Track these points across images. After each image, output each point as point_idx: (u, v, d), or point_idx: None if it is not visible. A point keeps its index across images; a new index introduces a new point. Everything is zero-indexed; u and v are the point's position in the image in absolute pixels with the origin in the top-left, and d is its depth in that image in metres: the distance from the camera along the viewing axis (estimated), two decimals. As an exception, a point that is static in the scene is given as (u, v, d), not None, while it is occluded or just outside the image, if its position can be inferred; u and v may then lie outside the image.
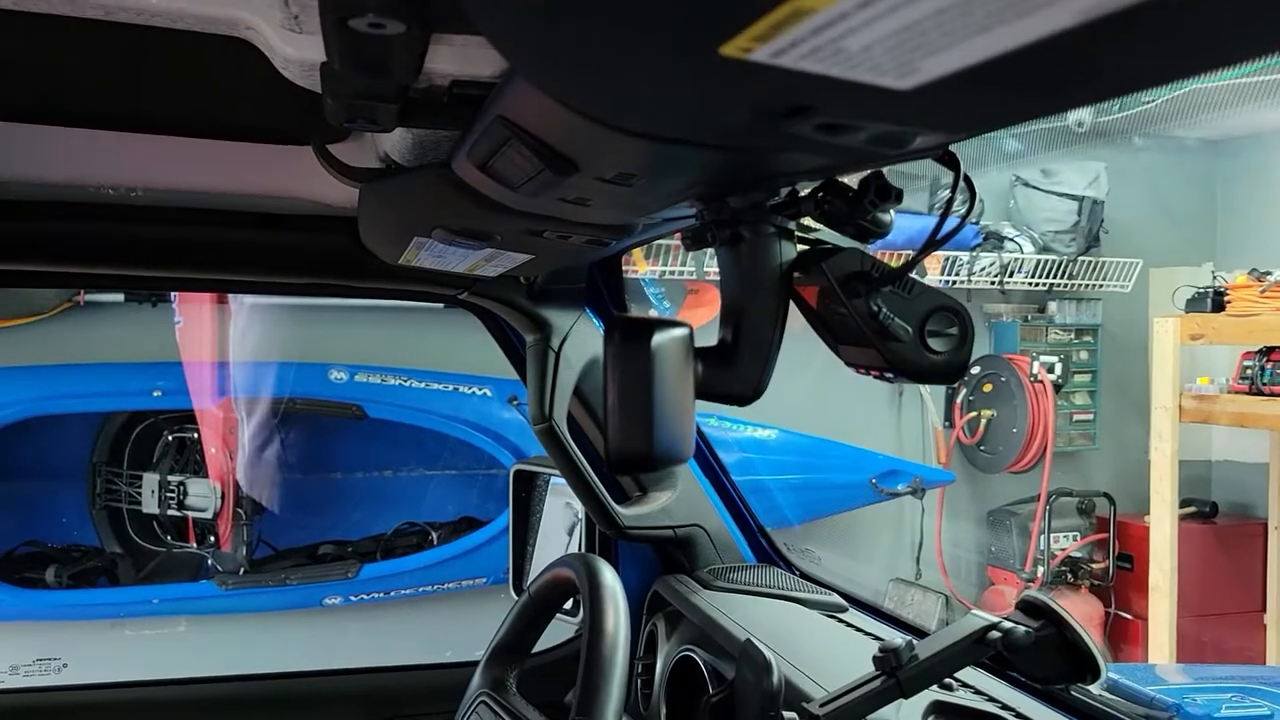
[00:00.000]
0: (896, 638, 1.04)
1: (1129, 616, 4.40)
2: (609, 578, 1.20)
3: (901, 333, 0.71)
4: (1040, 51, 0.33)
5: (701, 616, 1.45)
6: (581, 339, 1.56)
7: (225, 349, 3.70)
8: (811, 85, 0.40)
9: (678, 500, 1.64)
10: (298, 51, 0.72)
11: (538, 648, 1.45)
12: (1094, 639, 1.02)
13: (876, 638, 1.38)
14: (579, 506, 1.92)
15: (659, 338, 0.68)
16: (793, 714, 0.98)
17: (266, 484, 3.83)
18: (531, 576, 2.01)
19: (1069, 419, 4.64)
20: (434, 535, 3.98)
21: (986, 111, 0.45)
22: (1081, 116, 4.12)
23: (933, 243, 0.69)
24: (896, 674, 1.00)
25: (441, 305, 3.98)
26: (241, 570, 3.83)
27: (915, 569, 4.44)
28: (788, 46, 0.36)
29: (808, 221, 0.77)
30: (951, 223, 0.70)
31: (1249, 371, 4.09)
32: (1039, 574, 4.47)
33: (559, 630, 1.71)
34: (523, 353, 1.63)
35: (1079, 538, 4.58)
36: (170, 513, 3.78)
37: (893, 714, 1.03)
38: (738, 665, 1.05)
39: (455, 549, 3.89)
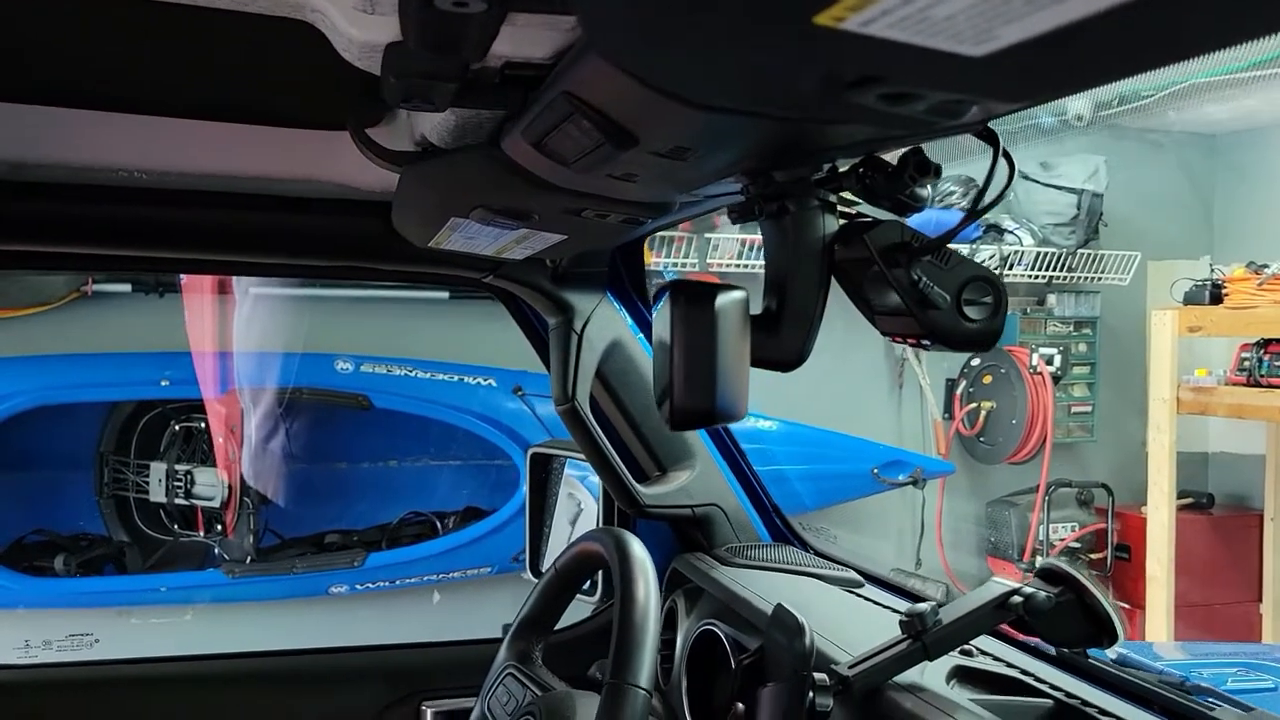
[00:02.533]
0: (918, 607, 1.08)
1: (1127, 606, 4.44)
2: (638, 549, 1.24)
3: (940, 301, 0.75)
4: (1113, 17, 0.37)
5: (723, 591, 1.48)
6: (603, 322, 1.59)
7: (232, 339, 3.73)
8: (887, 54, 0.44)
9: (696, 480, 1.67)
10: (364, 33, 0.75)
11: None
12: (1112, 605, 1.06)
13: (894, 610, 1.42)
14: (581, 497, 1.96)
15: (721, 300, 0.72)
16: (822, 675, 1.02)
17: (273, 473, 3.86)
18: (548, 558, 2.05)
19: (1068, 411, 4.69)
20: (439, 525, 4.02)
21: (1045, 79, 0.48)
22: (1081, 110, 4.16)
23: (974, 213, 0.73)
24: (922, 637, 1.04)
25: (447, 295, 4.02)
26: (248, 559, 3.86)
27: (915, 559, 4.48)
28: (879, 15, 0.39)
29: (847, 197, 0.81)
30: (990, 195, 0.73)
31: (1246, 363, 4.14)
32: (1038, 564, 4.50)
33: (574, 612, 1.75)
34: (545, 336, 1.66)
35: (1077, 528, 4.63)
36: (177, 502, 3.81)
37: (917, 676, 1.07)
38: (768, 629, 1.08)
39: (460, 538, 3.92)
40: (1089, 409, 4.76)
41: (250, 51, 1.06)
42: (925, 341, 0.78)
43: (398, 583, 3.88)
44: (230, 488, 3.80)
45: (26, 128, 1.21)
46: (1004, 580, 1.08)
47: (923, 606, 1.06)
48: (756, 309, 0.82)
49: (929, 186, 0.78)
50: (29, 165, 1.30)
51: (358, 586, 3.86)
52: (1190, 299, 4.25)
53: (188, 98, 1.19)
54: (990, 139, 0.70)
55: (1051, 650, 1.17)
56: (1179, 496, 4.36)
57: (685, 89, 0.59)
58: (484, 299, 4.02)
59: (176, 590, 3.78)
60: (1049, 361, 4.54)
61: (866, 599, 1.49)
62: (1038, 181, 4.47)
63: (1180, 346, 4.23)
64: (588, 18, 0.54)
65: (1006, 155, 0.71)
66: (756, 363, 0.78)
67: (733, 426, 1.79)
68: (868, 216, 0.82)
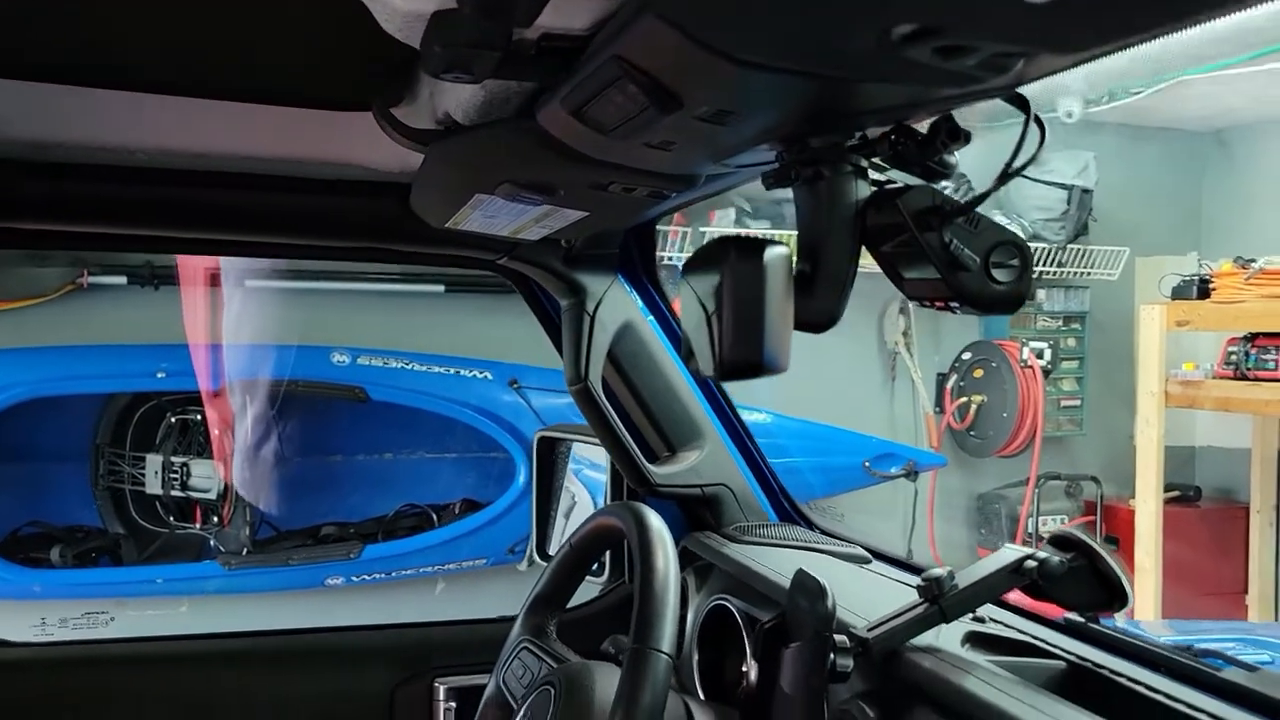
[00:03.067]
0: (934, 572, 1.10)
1: (1115, 597, 4.49)
2: (655, 521, 1.26)
3: (970, 263, 0.77)
4: None
5: (735, 566, 1.51)
6: (615, 304, 1.62)
7: (229, 332, 3.74)
8: (948, 3, 0.46)
9: (705, 460, 1.70)
10: (411, 2, 0.77)
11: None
12: (1123, 569, 1.09)
13: (904, 584, 1.45)
14: (576, 490, 1.98)
15: (770, 254, 0.74)
16: (843, 636, 1.04)
17: (269, 465, 3.87)
18: (555, 542, 2.07)
19: (1057, 404, 4.74)
20: (435, 517, 4.04)
21: (1097, 29, 0.51)
22: (1071, 107, 4.21)
23: (1006, 175, 0.75)
24: (939, 601, 1.07)
25: (443, 289, 4.02)
26: (244, 550, 3.87)
27: (907, 552, 4.52)
28: None
29: (878, 164, 0.83)
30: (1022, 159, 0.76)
31: (1234, 357, 4.19)
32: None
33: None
34: (557, 318, 1.68)
35: (1066, 520, 4.68)
36: (174, 494, 3.82)
37: (933, 639, 1.10)
38: (790, 593, 1.11)
39: (456, 530, 3.94)
40: (1078, 403, 4.82)
41: (275, 31, 1.08)
42: (954, 304, 0.80)
43: (394, 574, 3.90)
44: (226, 480, 3.81)
45: (51, 108, 1.22)
46: (1017, 547, 1.11)
47: (939, 571, 1.08)
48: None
49: (956, 154, 0.81)
50: (51, 145, 1.32)
51: (354, 578, 3.87)
52: (1178, 294, 4.30)
53: (211, 78, 1.21)
54: (1021, 104, 0.73)
55: (1060, 620, 1.20)
56: (1166, 489, 4.41)
57: (736, 46, 0.61)
58: (479, 293, 4.07)
59: (173, 582, 3.79)
60: (1039, 355, 4.59)
61: (875, 573, 1.52)
62: (1028, 176, 4.52)
63: (1168, 341, 4.28)
64: None
65: (1038, 120, 0.73)
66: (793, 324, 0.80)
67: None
68: (898, 182, 0.85)
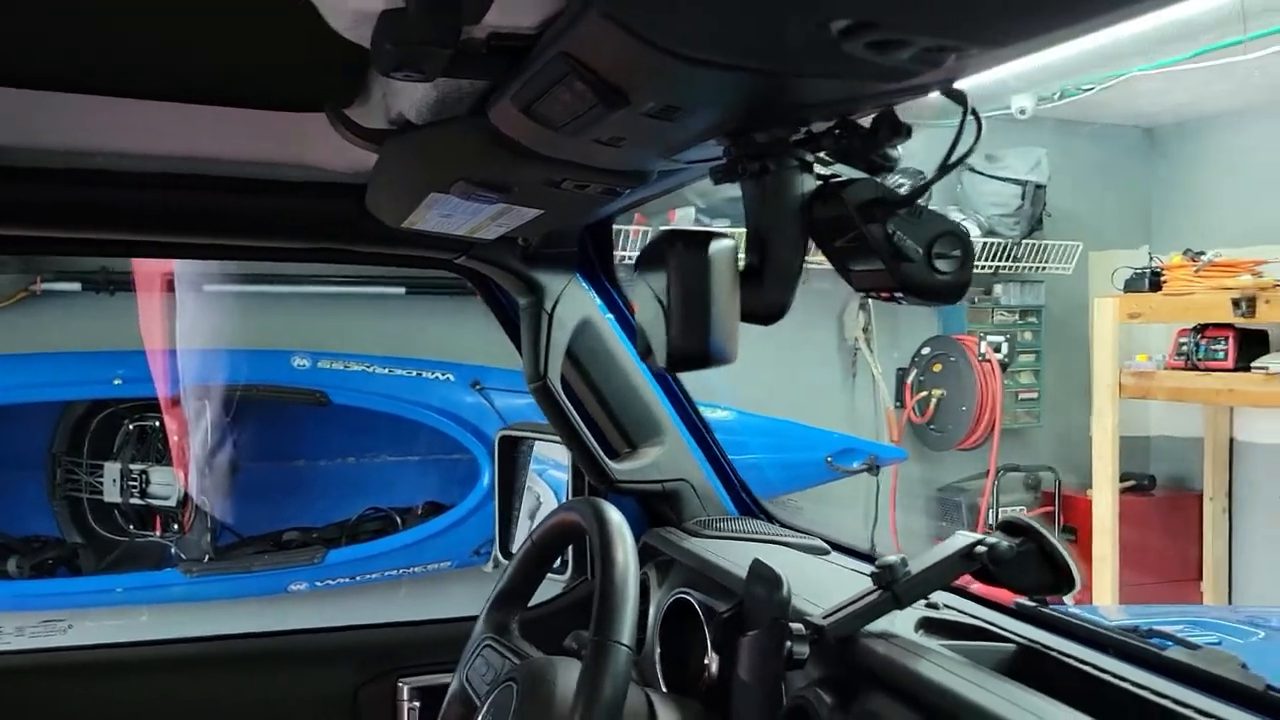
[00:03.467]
0: (888, 559, 1.12)
1: (1074, 586, 4.55)
2: (614, 515, 1.27)
3: (913, 253, 0.79)
4: None
5: (695, 559, 1.53)
6: (573, 302, 1.63)
7: (187, 337, 3.70)
8: None
9: (665, 456, 1.71)
10: (361, 0, 0.78)
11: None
12: (1070, 553, 1.12)
13: (860, 573, 1.47)
14: (540, 489, 1.99)
15: (715, 246, 0.76)
16: (798, 624, 1.06)
17: (230, 471, 3.84)
18: (518, 540, 2.07)
19: (1015, 397, 4.80)
20: (399, 520, 4.02)
21: (1023, 23, 0.53)
22: (1024, 104, 4.27)
23: (946, 167, 0.77)
24: (892, 587, 1.09)
25: (404, 291, 4.01)
26: (206, 557, 3.83)
27: (870, 547, 4.56)
28: None
29: (823, 158, 0.85)
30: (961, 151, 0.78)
31: (1184, 348, 4.28)
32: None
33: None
34: (515, 317, 1.69)
35: (1025, 511, 4.75)
36: (133, 501, 3.77)
37: (888, 625, 1.12)
38: (746, 583, 1.13)
39: (420, 533, 3.93)
40: (1035, 395, 4.89)
41: (226, 33, 1.08)
42: (899, 295, 0.82)
43: (358, 579, 3.88)
44: (186, 487, 3.77)
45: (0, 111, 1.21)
46: (969, 533, 1.13)
47: (892, 558, 1.11)
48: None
49: (899, 148, 0.83)
50: (0, 149, 1.31)
51: (318, 583, 3.84)
52: (1130, 287, 4.38)
53: (162, 81, 1.20)
54: (959, 98, 0.75)
55: (1011, 604, 1.23)
56: (1122, 479, 4.49)
57: (679, 43, 0.62)
58: (440, 294, 4.06)
59: (133, 591, 3.74)
60: (996, 349, 4.65)
61: (833, 564, 1.54)
62: (983, 173, 4.59)
63: (1121, 333, 4.36)
64: None
65: (975, 114, 0.75)
66: (741, 316, 0.82)
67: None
68: (841, 177, 0.86)
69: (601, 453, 1.65)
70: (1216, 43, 3.54)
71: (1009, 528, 1.13)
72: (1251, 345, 4.12)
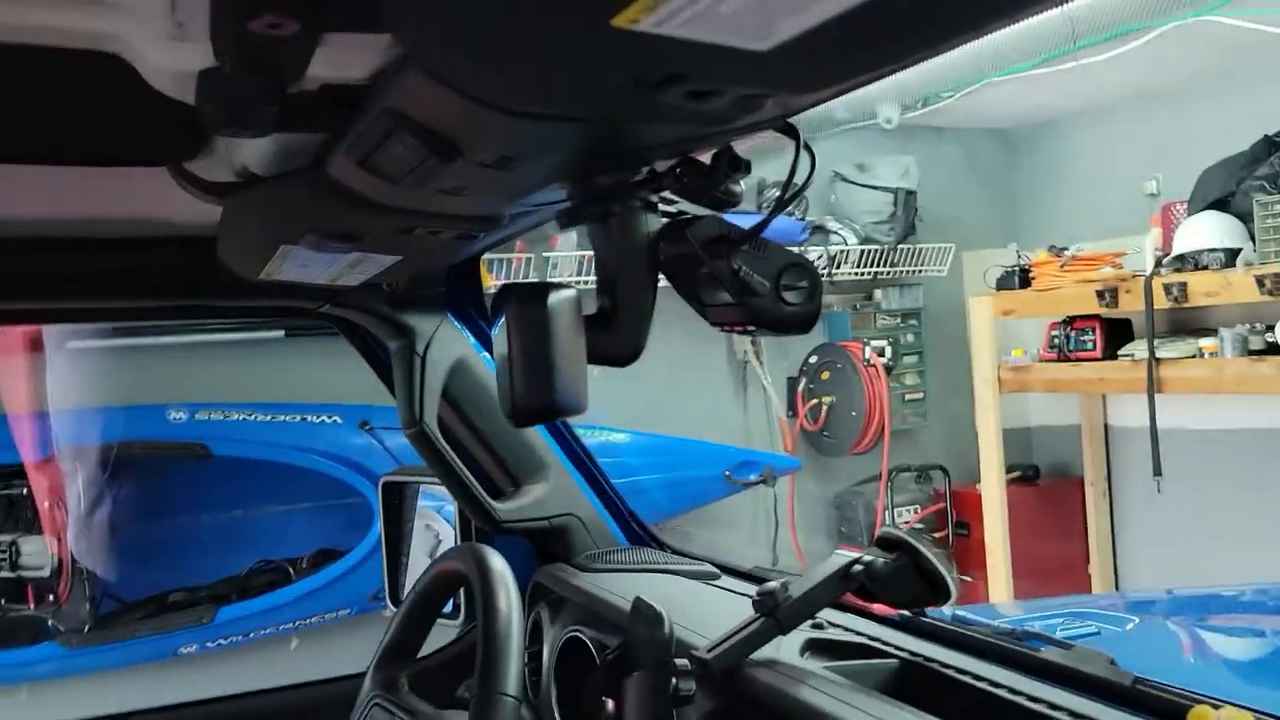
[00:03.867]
0: (768, 585, 1.13)
1: (969, 579, 4.68)
2: (496, 562, 1.25)
3: (760, 287, 0.80)
4: (875, 8, 0.41)
5: (585, 596, 1.51)
6: (445, 342, 1.60)
7: (54, 397, 3.53)
8: (685, 52, 0.48)
9: (550, 491, 1.69)
10: (175, 61, 0.75)
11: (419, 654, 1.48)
12: (944, 565, 1.14)
13: (749, 596, 1.47)
14: (439, 528, 1.95)
15: (553, 298, 0.75)
16: (683, 660, 1.06)
17: (107, 534, 3.67)
18: (408, 588, 2.03)
19: (902, 399, 4.91)
20: (292, 571, 3.90)
21: (827, 70, 0.53)
22: (890, 114, 4.39)
23: (782, 202, 0.78)
24: (775, 613, 1.09)
25: (283, 334, 3.90)
26: (86, 628, 3.65)
27: (772, 555, 4.61)
28: (670, 15, 0.43)
29: (668, 197, 0.85)
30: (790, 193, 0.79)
31: (1056, 340, 4.44)
32: (877, 534, 4.70)
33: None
34: (387, 362, 1.66)
35: (919, 510, 4.86)
36: (2, 575, 3.57)
37: (773, 651, 1.12)
38: (630, 622, 1.11)
39: (314, 583, 3.81)
40: (921, 395, 5.01)
41: (54, 89, 1.03)
42: (751, 327, 0.83)
43: (252, 635, 3.74)
44: (60, 556, 3.59)
45: None
46: (846, 552, 1.14)
47: (773, 584, 1.11)
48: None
49: (741, 183, 0.83)
50: None
51: (209, 644, 3.69)
52: (1002, 284, 4.53)
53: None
54: (791, 133, 0.75)
55: (896, 617, 1.24)
56: (1008, 471, 4.63)
57: (503, 98, 0.61)
58: (322, 335, 3.96)
59: (8, 668, 3.54)
60: (881, 353, 4.75)
61: (722, 588, 1.54)
62: (855, 183, 4.69)
63: (997, 329, 4.51)
64: (405, 34, 0.56)
65: (808, 148, 0.76)
66: (594, 360, 0.81)
67: (586, 440, 1.82)
68: (688, 214, 0.86)
69: (485, 494, 1.63)
70: (1060, 48, 3.69)
71: (884, 543, 1.15)
72: (1117, 334, 4.30)
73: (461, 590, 1.70)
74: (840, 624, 1.24)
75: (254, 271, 1.27)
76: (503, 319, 0.75)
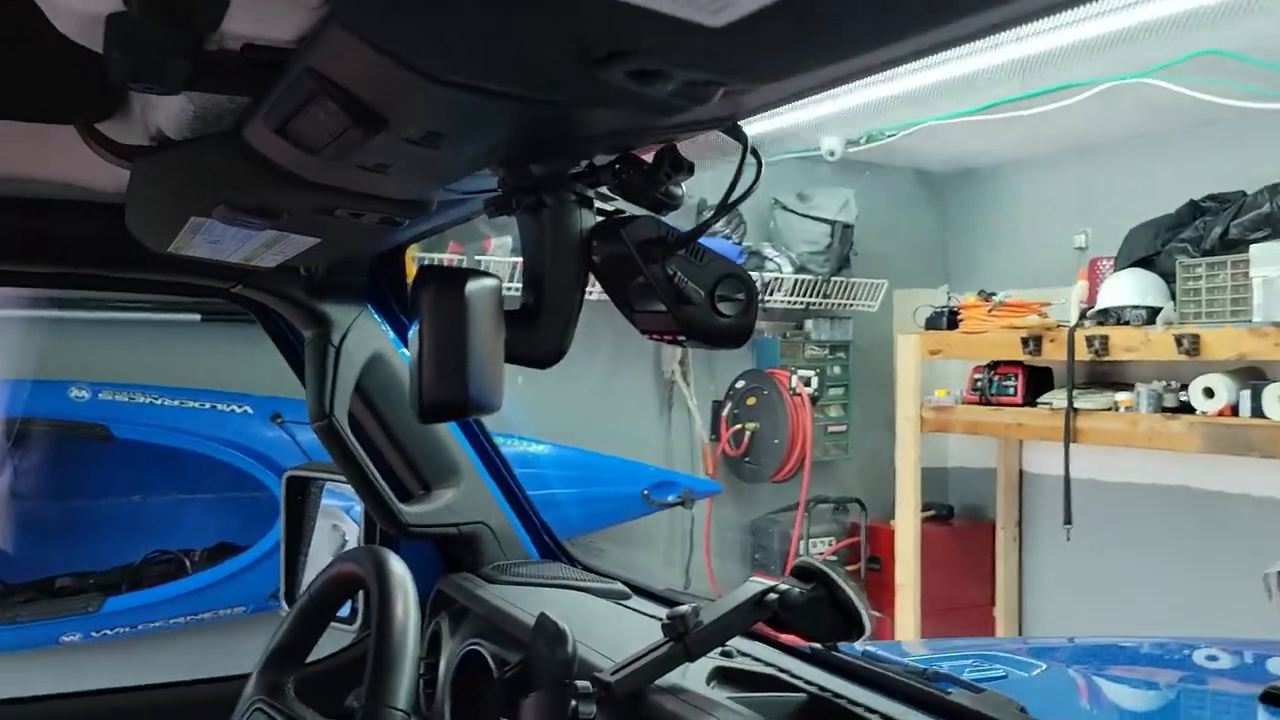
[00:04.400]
0: (679, 609, 1.09)
1: (878, 614, 4.70)
2: (397, 567, 1.19)
3: (695, 296, 0.76)
4: None
5: (488, 608, 1.45)
6: (363, 334, 1.53)
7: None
8: (630, 20, 0.44)
9: (462, 497, 1.64)
10: (84, 2, 0.69)
11: (311, 657, 1.41)
12: (860, 599, 1.11)
13: (659, 619, 1.43)
14: (346, 528, 1.88)
15: (472, 286, 0.70)
16: (585, 683, 1.01)
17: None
18: (305, 587, 1.94)
19: (824, 430, 4.93)
20: (187, 563, 3.75)
21: (781, 58, 0.49)
22: (833, 146, 4.42)
23: (724, 207, 0.74)
24: (683, 639, 1.05)
25: (199, 318, 3.78)
26: (-38, 608, 3.47)
27: (685, 578, 4.58)
28: None
29: (605, 194, 0.81)
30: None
31: (979, 384, 4.50)
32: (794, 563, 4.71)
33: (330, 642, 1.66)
34: (299, 351, 1.58)
35: (834, 542, 4.88)
36: (-123, 548, 3.39)
37: (679, 678, 1.08)
38: (532, 639, 1.06)
39: (210, 577, 3.67)
40: (844, 428, 5.03)
41: None
42: (681, 337, 0.79)
43: (139, 628, 3.59)
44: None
45: None
46: (761, 580, 1.11)
47: (684, 608, 1.07)
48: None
49: (682, 186, 0.79)
50: None
51: (93, 634, 3.53)
52: (930, 324, 4.58)
53: None
54: (739, 136, 0.72)
55: (806, 649, 1.21)
56: (923, 509, 4.67)
57: (432, 64, 0.57)
58: (238, 321, 3.84)
59: (-125, 650, 3.35)
60: (807, 383, 4.77)
61: (632, 609, 1.49)
62: (795, 212, 4.71)
63: (923, 368, 4.55)
64: None
65: (755, 154, 0.73)
66: (514, 359, 0.76)
67: (504, 449, 1.77)
68: (625, 213, 0.82)
69: (393, 496, 1.56)
70: (1005, 97, 3.75)
71: (800, 573, 1.12)
72: (1038, 381, 4.37)
73: (360, 594, 1.63)
74: (749, 653, 1.20)
75: (162, 243, 1.20)
76: (419, 304, 0.70)
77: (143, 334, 3.81)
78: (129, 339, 3.79)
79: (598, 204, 0.81)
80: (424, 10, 0.51)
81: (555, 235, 0.77)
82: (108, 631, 3.53)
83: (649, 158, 0.78)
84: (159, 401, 3.61)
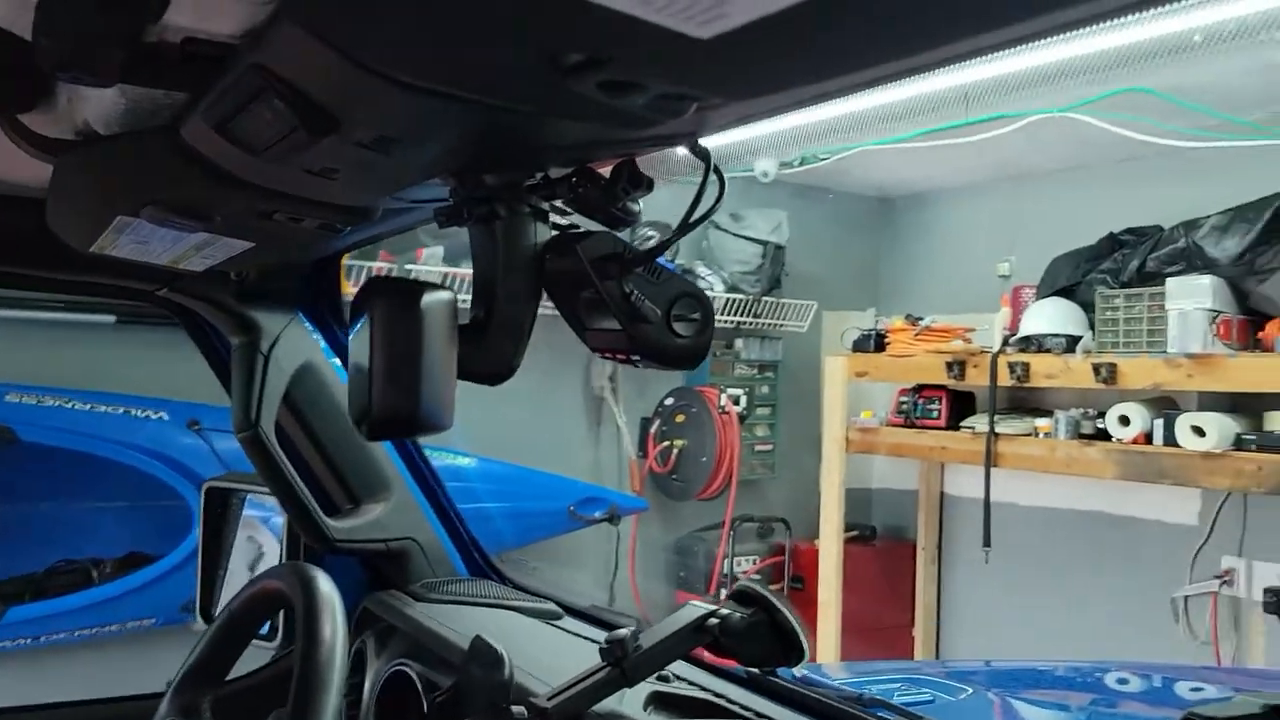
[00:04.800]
0: (618, 633, 1.06)
1: (801, 634, 4.71)
2: (324, 584, 1.15)
3: (651, 314, 0.74)
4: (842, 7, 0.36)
5: (417, 628, 1.41)
6: (293, 343, 1.49)
7: None
8: (611, 29, 0.42)
9: (391, 512, 1.59)
10: None
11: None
12: (800, 624, 1.10)
13: (593, 641, 1.40)
14: (263, 541, 1.82)
15: (429, 299, 0.67)
16: (521, 708, 0.98)
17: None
18: (223, 603, 1.87)
19: (752, 449, 4.95)
20: (95, 573, 3.61)
21: (764, 74, 0.48)
22: (767, 168, 4.45)
23: (686, 226, 0.73)
24: (621, 663, 1.03)
25: (114, 320, 3.65)
26: None
27: (609, 595, 4.55)
28: None
29: (560, 207, 0.79)
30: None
31: (904, 406, 4.55)
32: (722, 596, 4.71)
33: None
34: (226, 358, 1.53)
35: (759, 560, 4.89)
36: None
37: (616, 704, 1.06)
38: (465, 662, 1.03)
39: (119, 587, 3.54)
40: (770, 447, 5.06)
41: None
42: (635, 357, 0.77)
43: (42, 639, 3.44)
44: None
45: None
46: (701, 604, 1.09)
47: (622, 632, 1.05)
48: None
49: (640, 202, 0.78)
50: None
51: (-8, 645, 3.38)
52: (858, 346, 4.63)
53: None
54: (702, 155, 0.70)
55: (743, 673, 1.20)
56: (847, 529, 4.71)
57: (387, 63, 0.54)
58: (155, 324, 3.72)
59: None
60: (736, 402, 4.78)
61: (566, 630, 1.47)
62: (728, 231, 4.73)
63: (850, 390, 4.60)
64: None
65: (718, 171, 0.71)
66: (464, 375, 0.74)
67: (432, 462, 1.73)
68: (580, 227, 0.80)
69: (319, 510, 1.51)
70: (937, 125, 3.82)
71: (740, 597, 1.10)
72: (962, 406, 4.44)
73: (282, 612, 1.58)
74: (686, 678, 1.18)
75: (85, 243, 1.14)
76: (366, 316, 0.67)
77: (54, 335, 3.67)
78: (39, 339, 3.64)
79: (553, 218, 0.78)
80: (381, 5, 0.48)
81: (509, 248, 0.75)
82: (7, 643, 3.38)
83: (605, 171, 0.77)
84: (69, 405, 3.47)
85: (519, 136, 0.65)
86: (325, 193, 0.85)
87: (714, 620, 1.06)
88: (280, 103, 0.63)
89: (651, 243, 4.27)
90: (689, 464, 4.73)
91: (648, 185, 0.74)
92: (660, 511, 4.83)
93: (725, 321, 4.78)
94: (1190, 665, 3.67)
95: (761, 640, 1.06)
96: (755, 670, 1.17)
